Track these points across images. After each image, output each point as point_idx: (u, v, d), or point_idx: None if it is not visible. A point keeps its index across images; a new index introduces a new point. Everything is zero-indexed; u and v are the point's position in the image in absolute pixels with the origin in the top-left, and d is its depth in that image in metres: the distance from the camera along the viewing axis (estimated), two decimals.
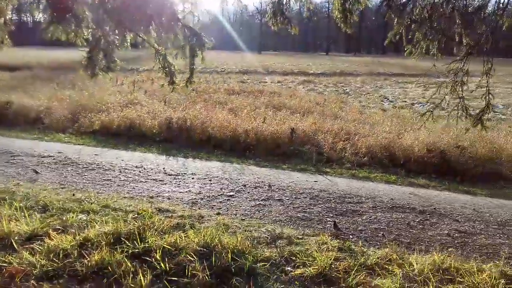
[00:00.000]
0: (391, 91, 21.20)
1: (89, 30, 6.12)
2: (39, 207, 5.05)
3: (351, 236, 4.92)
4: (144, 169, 7.45)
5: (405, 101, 17.49)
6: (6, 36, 6.70)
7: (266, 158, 8.67)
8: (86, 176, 6.90)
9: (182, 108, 12.00)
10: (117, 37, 5.83)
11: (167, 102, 13.43)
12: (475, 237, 5.02)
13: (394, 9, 5.11)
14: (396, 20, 5.12)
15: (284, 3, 5.53)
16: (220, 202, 5.94)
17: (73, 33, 6.11)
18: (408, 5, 5.10)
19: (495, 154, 8.04)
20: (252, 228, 4.88)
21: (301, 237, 4.67)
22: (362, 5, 5.49)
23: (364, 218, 5.50)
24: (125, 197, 5.91)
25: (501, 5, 4.64)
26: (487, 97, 5.23)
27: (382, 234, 5.03)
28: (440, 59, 5.67)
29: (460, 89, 5.15)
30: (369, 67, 37.82)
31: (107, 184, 6.55)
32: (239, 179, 7.04)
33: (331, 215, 5.55)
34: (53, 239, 4.07)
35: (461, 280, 3.65)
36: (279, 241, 4.53)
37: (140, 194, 6.17)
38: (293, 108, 13.45)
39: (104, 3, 5.66)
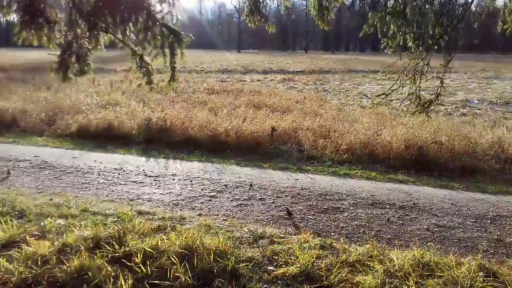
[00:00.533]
0: (370, 88, 21.46)
1: (62, 34, 5.97)
2: (16, 212, 4.92)
3: (332, 234, 4.95)
4: (124, 171, 7.35)
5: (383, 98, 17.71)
6: None
7: (247, 157, 8.65)
8: (64, 180, 6.76)
9: (161, 109, 11.88)
10: (91, 40, 5.70)
11: (146, 102, 13.29)
12: (453, 231, 5.12)
13: (368, 3, 5.16)
14: (370, 12, 5.16)
15: (261, 0, 5.52)
16: (202, 203, 5.91)
17: (45, 38, 5.95)
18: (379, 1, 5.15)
19: (471, 148, 8.22)
20: (234, 229, 4.86)
21: (283, 236, 4.68)
22: (339, 2, 5.53)
23: (345, 215, 5.55)
24: (104, 201, 5.81)
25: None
26: (439, 89, 5.33)
27: (363, 230, 5.08)
28: (415, 53, 5.76)
29: (419, 80, 5.25)
30: (348, 64, 38.21)
31: (86, 188, 6.44)
32: (220, 179, 7.01)
33: (313, 213, 5.58)
34: (31, 246, 3.98)
35: (441, 274, 3.71)
36: (261, 241, 4.53)
37: (119, 197, 6.08)
38: (273, 107, 13.47)
39: (77, 5, 5.54)
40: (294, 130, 9.92)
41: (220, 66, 34.83)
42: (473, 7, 4.83)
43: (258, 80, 24.69)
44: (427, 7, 4.81)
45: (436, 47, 4.94)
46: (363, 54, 63.61)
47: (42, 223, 4.61)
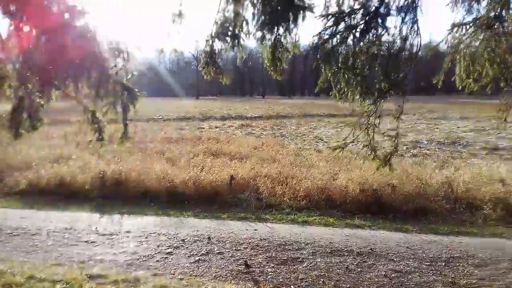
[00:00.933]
0: (325, 131, 22.06)
1: (12, 90, 5.83)
2: None
3: (292, 286, 4.88)
4: (75, 230, 7.02)
5: (338, 141, 18.20)
6: None
7: (205, 208, 8.52)
8: (9, 244, 6.35)
9: (116, 161, 11.61)
10: (43, 95, 5.59)
11: (100, 154, 12.97)
12: (410, 276, 5.18)
13: (321, 57, 5.37)
14: (323, 67, 5.37)
15: (216, 52, 5.64)
16: (157, 261, 5.70)
17: None
18: (333, 54, 5.37)
19: (422, 189, 8.50)
20: None
21: None
22: (291, 53, 5.73)
23: (304, 265, 5.50)
24: (53, 265, 5.50)
25: (413, 52, 5.07)
26: (396, 140, 5.56)
27: (323, 281, 5.05)
28: (363, 102, 6.00)
29: (372, 131, 5.45)
30: (303, 109, 39.33)
31: (34, 251, 6.08)
32: (177, 233, 6.83)
33: (272, 265, 5.50)
34: None
35: None
36: None
37: (69, 259, 5.77)
38: (231, 154, 13.49)
39: (28, 61, 5.45)
40: (253, 178, 9.93)
41: (179, 113, 34.89)
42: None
43: (217, 127, 24.84)
44: (374, 62, 5.06)
45: (383, 100, 5.17)
46: (318, 98, 65.77)
47: None
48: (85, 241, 6.49)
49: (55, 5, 5.08)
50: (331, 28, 4.99)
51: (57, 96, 5.90)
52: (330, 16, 4.96)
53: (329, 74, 5.32)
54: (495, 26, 5.21)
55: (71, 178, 9.98)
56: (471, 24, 5.28)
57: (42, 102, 5.88)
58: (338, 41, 5.06)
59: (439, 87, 5.99)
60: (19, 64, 5.78)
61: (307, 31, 5.36)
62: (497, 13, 5.09)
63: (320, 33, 5.00)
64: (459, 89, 5.85)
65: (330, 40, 5.05)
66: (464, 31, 5.44)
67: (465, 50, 5.55)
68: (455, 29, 5.42)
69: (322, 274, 5.24)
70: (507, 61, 5.35)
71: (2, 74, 5.70)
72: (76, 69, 5.53)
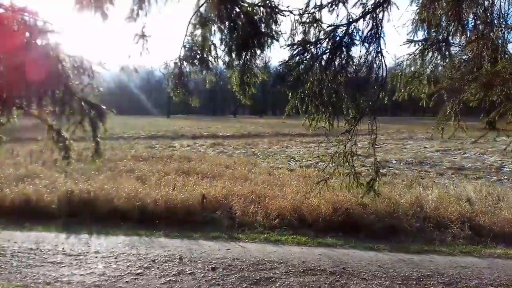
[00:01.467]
0: (297, 151, 22.26)
1: None
2: None
3: None
4: (41, 251, 6.74)
5: (310, 160, 18.39)
6: None
7: (177, 227, 8.36)
8: None
9: (85, 179, 11.31)
10: (3, 114, 5.41)
11: (68, 173, 12.59)
12: None
13: (287, 85, 5.42)
14: (291, 94, 5.41)
15: (185, 75, 5.64)
16: (127, 282, 5.53)
17: None
18: (300, 81, 5.43)
19: (393, 208, 8.66)
20: None
21: None
22: (259, 79, 5.78)
23: (277, 285, 5.47)
24: (17, 286, 5.25)
25: (380, 80, 5.22)
26: (375, 167, 5.65)
27: None
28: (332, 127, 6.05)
29: (351, 158, 5.51)
30: (275, 128, 39.65)
31: None
32: (147, 254, 6.66)
33: (245, 285, 5.43)
34: None
35: None
36: None
37: (35, 281, 5.53)
38: (203, 173, 13.39)
39: None
40: (225, 197, 9.85)
41: (149, 131, 34.50)
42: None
43: (188, 146, 24.68)
44: (342, 88, 5.17)
45: (354, 127, 5.25)
46: (289, 118, 66.58)
47: None
48: (51, 262, 6.23)
49: (14, 24, 4.97)
50: (297, 56, 5.07)
51: (18, 114, 5.71)
52: (296, 46, 5.05)
53: (297, 102, 5.37)
54: (443, 48, 5.43)
55: (37, 197, 9.63)
56: (422, 42, 5.47)
57: (2, 121, 5.68)
58: (305, 69, 5.14)
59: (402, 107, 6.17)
60: None
61: (278, 54, 5.44)
62: (445, 37, 5.33)
63: (287, 61, 5.07)
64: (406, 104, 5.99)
65: (297, 68, 5.11)
66: (415, 48, 5.58)
67: (408, 66, 5.75)
68: (407, 46, 5.58)
69: None
70: (448, 77, 5.57)
71: None
72: (38, 87, 5.39)
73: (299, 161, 18.05)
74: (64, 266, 6.09)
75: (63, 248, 6.87)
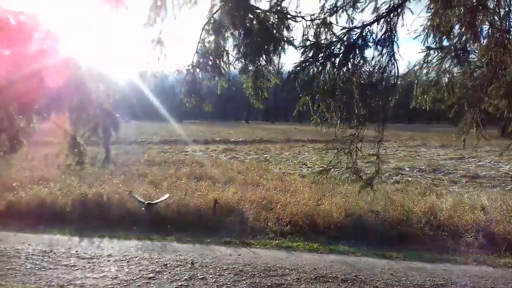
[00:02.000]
0: (309, 157, 22.19)
1: None
2: None
3: None
4: (55, 253, 6.83)
5: (322, 166, 18.30)
6: None
7: (189, 232, 8.38)
8: None
9: (98, 183, 11.42)
10: (23, 120, 5.53)
11: (82, 177, 12.74)
12: None
13: (301, 84, 5.43)
14: (303, 92, 5.41)
15: (197, 81, 5.68)
16: (139, 286, 5.57)
17: None
18: (313, 80, 5.44)
19: (406, 216, 8.57)
20: None
21: None
22: (272, 83, 5.80)
23: None
24: None
25: (392, 83, 5.21)
26: (377, 164, 5.63)
27: None
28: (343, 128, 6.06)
29: (355, 155, 5.50)
30: (287, 134, 39.59)
31: (11, 274, 5.88)
32: (159, 258, 6.70)
33: None
34: None
35: None
36: None
37: (48, 283, 5.60)
38: (215, 178, 13.43)
39: (7, 87, 5.40)
40: (237, 202, 9.86)
41: (162, 136, 34.73)
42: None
43: (200, 151, 24.78)
44: (353, 89, 5.17)
45: (363, 127, 5.25)
46: (301, 124, 66.37)
47: None
48: (65, 265, 6.31)
49: (35, 33, 5.09)
50: (311, 58, 5.09)
51: (37, 119, 5.83)
52: (309, 47, 5.07)
53: (308, 99, 5.38)
54: (461, 56, 5.38)
55: (51, 200, 9.77)
56: (439, 50, 5.43)
57: (22, 125, 5.81)
58: (318, 69, 5.15)
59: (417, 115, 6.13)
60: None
61: (290, 59, 5.44)
62: (463, 45, 5.28)
63: (300, 62, 5.09)
64: (417, 107, 5.91)
65: (311, 68, 5.14)
66: (433, 56, 5.55)
67: (425, 75, 5.71)
68: (424, 54, 5.54)
69: None
70: (467, 86, 5.51)
71: None
72: (56, 95, 5.50)
73: (311, 168, 18.00)
74: (77, 269, 6.16)
75: (76, 251, 6.95)
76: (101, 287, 5.50)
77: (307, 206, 9.22)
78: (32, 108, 5.63)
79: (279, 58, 5.56)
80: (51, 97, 5.13)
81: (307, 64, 5.11)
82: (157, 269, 6.19)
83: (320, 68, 5.14)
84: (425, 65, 5.56)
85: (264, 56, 5.47)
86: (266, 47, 5.28)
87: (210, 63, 5.64)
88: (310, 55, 5.07)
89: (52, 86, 5.46)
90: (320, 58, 5.10)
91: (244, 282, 5.71)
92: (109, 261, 6.54)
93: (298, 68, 5.12)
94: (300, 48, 5.10)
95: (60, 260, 6.54)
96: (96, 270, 6.12)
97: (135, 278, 5.84)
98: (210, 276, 5.95)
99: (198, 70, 5.71)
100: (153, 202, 8.98)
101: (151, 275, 5.96)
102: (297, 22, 5.19)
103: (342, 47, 5.04)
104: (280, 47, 5.34)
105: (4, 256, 6.63)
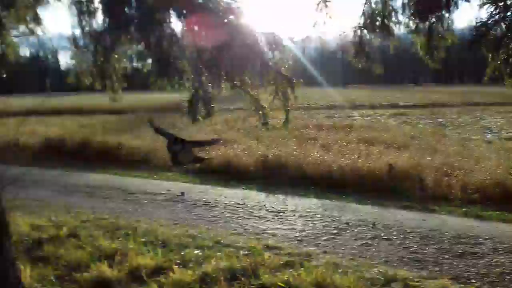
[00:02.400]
0: (494, 121, 19.73)
1: (189, 82, 6.64)
2: (159, 242, 5.43)
3: (473, 280, 4.58)
4: (247, 206, 7.67)
5: (511, 132, 16.14)
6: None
7: (364, 195, 8.44)
8: (195, 213, 7.29)
9: (275, 146, 12.24)
10: (214, 86, 6.25)
11: (259, 139, 13.81)
12: None
13: (488, 46, 4.84)
14: (491, 56, 4.82)
15: (365, 42, 5.55)
16: (326, 240, 5.90)
17: (176, 85, 6.67)
18: (503, 41, 4.78)
19: None
20: (363, 269, 4.77)
21: (418, 280, 4.46)
22: (448, 42, 5.31)
23: (485, 261, 5.10)
24: (233, 233, 6.13)
25: None
26: None
27: (510, 278, 4.61)
28: None
29: None
30: (464, 97, 35.70)
31: (215, 221, 6.86)
32: (340, 216, 6.95)
33: (447, 256, 5.23)
34: (175, 273, 4.34)
35: None
36: (393, 284, 4.37)
37: (246, 230, 6.35)
38: (386, 143, 13.05)
39: (200, 57, 6.13)
40: (413, 168, 9.46)
41: (327, 102, 35.01)
42: None
43: (368, 115, 24.24)
44: None
45: None
46: (480, 85, 58.88)
47: (182, 253, 5.01)
48: (257, 216, 7.06)
49: (220, 7, 5.59)
50: (497, 15, 4.44)
51: (226, 87, 6.53)
52: (492, 3, 4.42)
53: (500, 63, 4.76)
54: None
55: (237, 160, 10.90)
56: None
57: (214, 92, 6.61)
58: (508, 28, 4.47)
59: None
60: (193, 60, 6.55)
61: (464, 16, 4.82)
62: None
63: (485, 21, 4.49)
64: None
65: (497, 28, 4.50)
66: None
67: None
68: None
69: (507, 271, 4.78)
70: None
71: (181, 69, 6.57)
72: (240, 63, 6.05)
73: (498, 133, 16.02)
74: (268, 221, 6.83)
75: (264, 205, 7.69)
76: (291, 237, 6.01)
77: (496, 174, 8.32)
78: (221, 77, 6.31)
79: (449, 15, 5.04)
80: (236, 66, 5.68)
81: (494, 22, 4.50)
82: (340, 227, 6.45)
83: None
84: None
85: (436, 14, 5.04)
86: (437, 4, 4.84)
87: (377, 23, 5.47)
88: (496, 12, 4.45)
89: (238, 56, 6.01)
90: (510, 15, 4.43)
91: (433, 247, 5.55)
92: (294, 215, 7.08)
93: (483, 30, 4.55)
94: (483, 4, 4.51)
95: (252, 211, 7.34)
96: (285, 223, 6.70)
97: (320, 232, 6.21)
98: (394, 237, 5.95)
99: (365, 31, 5.59)
100: (189, 140, 6.81)
101: (335, 231, 6.25)
102: None
103: None
104: (453, 3, 4.84)
105: (207, 206, 7.75)
